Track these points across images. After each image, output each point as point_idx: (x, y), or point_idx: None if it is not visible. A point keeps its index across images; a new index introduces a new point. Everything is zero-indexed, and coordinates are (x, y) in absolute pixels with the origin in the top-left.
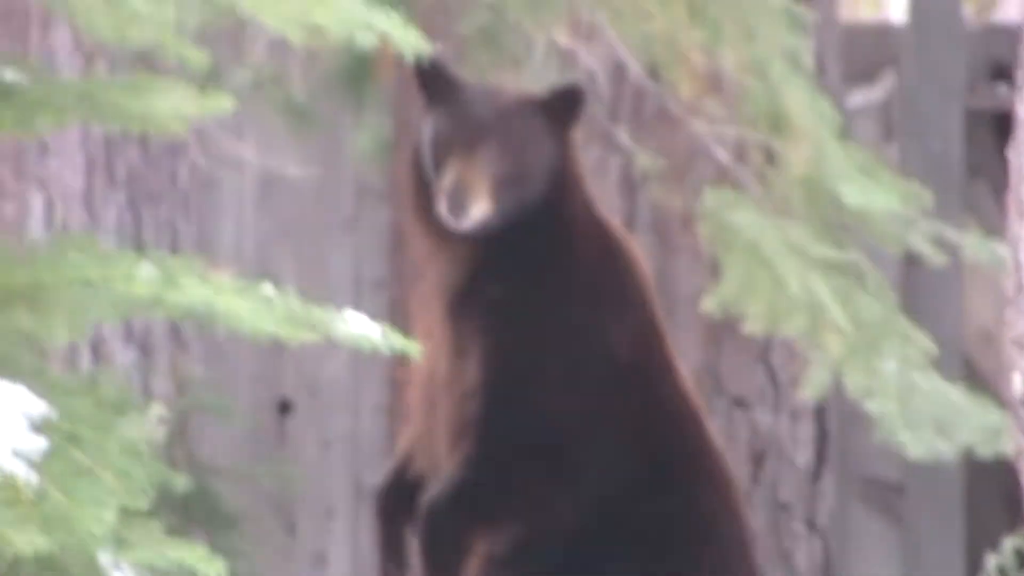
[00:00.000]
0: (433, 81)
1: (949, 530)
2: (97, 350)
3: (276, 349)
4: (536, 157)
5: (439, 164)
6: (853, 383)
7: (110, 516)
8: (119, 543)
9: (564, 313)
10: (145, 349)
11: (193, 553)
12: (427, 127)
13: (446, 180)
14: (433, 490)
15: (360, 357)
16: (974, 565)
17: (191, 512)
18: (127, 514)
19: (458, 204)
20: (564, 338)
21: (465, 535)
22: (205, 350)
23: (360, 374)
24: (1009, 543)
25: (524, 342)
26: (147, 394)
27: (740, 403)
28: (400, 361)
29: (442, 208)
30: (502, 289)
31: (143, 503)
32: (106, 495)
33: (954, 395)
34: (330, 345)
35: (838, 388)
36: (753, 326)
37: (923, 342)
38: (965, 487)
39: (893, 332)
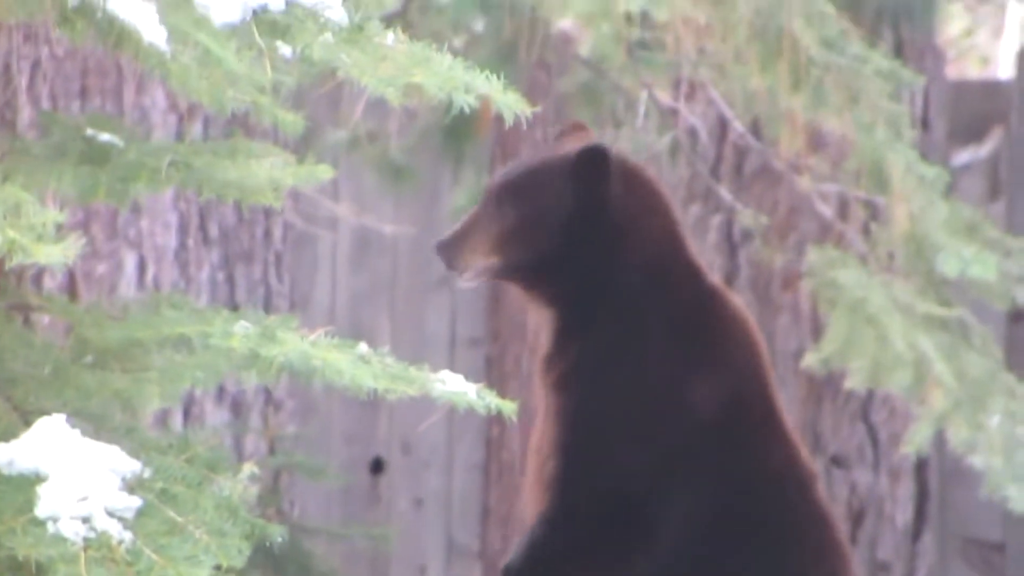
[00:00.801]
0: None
1: None
2: (189, 411)
3: (369, 407)
4: (547, 212)
5: None
6: (957, 437)
7: (204, 574)
8: None
9: (639, 370)
10: (237, 409)
11: None
12: None
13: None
14: (513, 551)
15: (454, 415)
16: None
17: (284, 571)
18: (221, 573)
19: (448, 259)
20: (638, 395)
21: None
22: (297, 409)
23: (454, 432)
24: None
25: (597, 399)
26: (239, 454)
27: (840, 462)
28: (495, 420)
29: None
30: (579, 349)
31: (238, 561)
32: (200, 553)
33: None
34: (424, 403)
35: (939, 446)
36: (855, 382)
37: None
38: None
39: (998, 387)
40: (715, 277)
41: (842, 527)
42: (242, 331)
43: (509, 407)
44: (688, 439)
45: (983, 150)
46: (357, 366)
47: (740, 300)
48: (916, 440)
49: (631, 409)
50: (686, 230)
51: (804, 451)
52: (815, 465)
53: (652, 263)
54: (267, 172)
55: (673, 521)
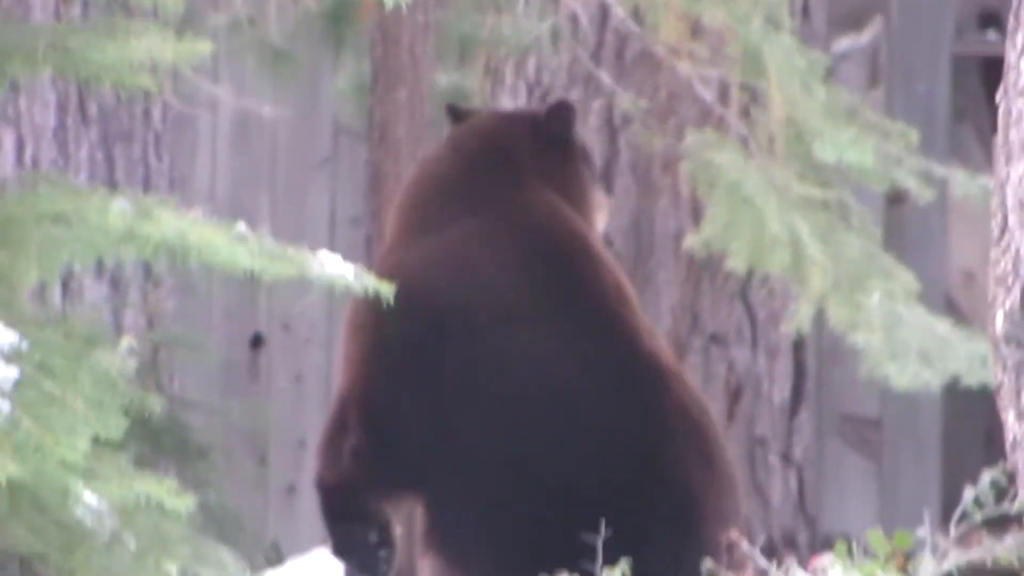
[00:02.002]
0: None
1: (926, 465)
2: (67, 285)
3: (249, 285)
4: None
5: None
6: (836, 317)
7: (83, 444)
8: (88, 476)
9: None
10: (116, 284)
11: (161, 487)
12: None
13: None
14: None
15: (334, 292)
16: (950, 500)
17: (162, 444)
18: (99, 444)
19: None
20: None
21: None
22: (177, 285)
23: (334, 309)
24: (987, 475)
25: None
26: (118, 329)
27: (718, 341)
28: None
29: None
30: None
31: (116, 433)
32: (79, 424)
33: (939, 327)
34: (304, 280)
35: (817, 325)
36: (735, 263)
37: (906, 279)
38: (942, 423)
39: (877, 268)
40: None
41: (712, 415)
42: (119, 209)
43: (386, 289)
44: None
45: (863, 38)
46: (233, 245)
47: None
48: (796, 320)
49: None
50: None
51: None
52: (691, 344)
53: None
54: (146, 50)
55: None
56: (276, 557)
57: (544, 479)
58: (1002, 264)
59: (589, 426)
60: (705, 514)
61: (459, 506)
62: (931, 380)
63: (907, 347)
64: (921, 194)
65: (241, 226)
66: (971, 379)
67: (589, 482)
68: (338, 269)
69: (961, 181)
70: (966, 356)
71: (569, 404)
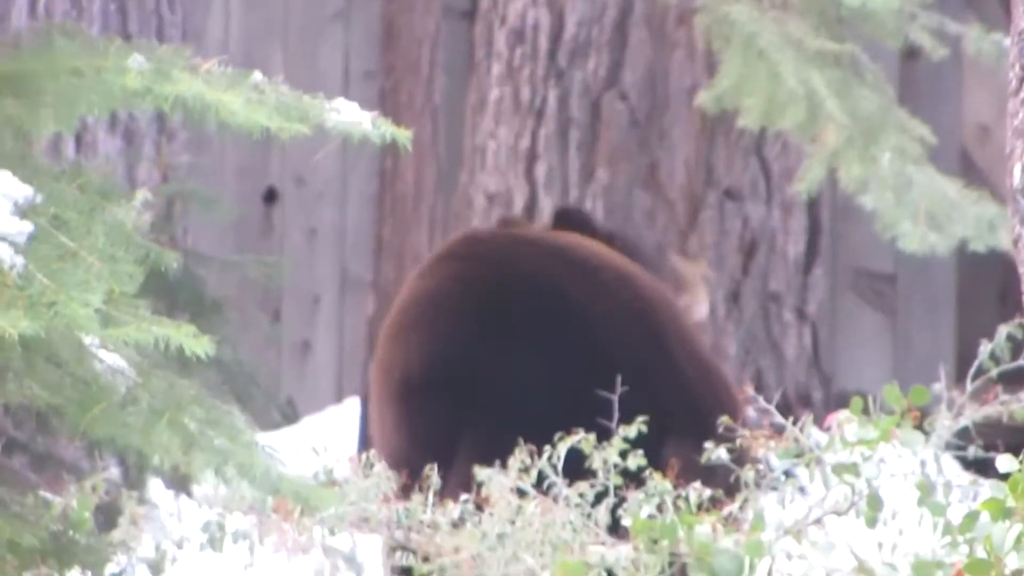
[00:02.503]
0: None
1: (941, 320)
2: (81, 139)
3: (263, 139)
4: None
5: None
6: (848, 176)
7: (96, 299)
8: (106, 320)
9: None
10: (129, 138)
11: (180, 331)
12: None
13: None
14: None
15: (347, 148)
16: (965, 355)
17: (176, 299)
18: (114, 297)
19: None
20: None
21: None
22: (191, 139)
23: (348, 164)
24: (1003, 330)
25: None
26: (132, 183)
27: (732, 195)
28: (389, 152)
29: None
30: None
31: (130, 287)
32: (92, 278)
33: (950, 189)
34: (318, 135)
35: (831, 182)
36: (749, 120)
37: (920, 135)
38: (957, 278)
39: (890, 124)
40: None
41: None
42: (137, 66)
43: (403, 136)
44: None
45: None
46: (251, 105)
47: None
48: (809, 178)
49: None
50: None
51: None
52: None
53: None
54: None
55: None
56: (292, 414)
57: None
58: (1020, 115)
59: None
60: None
61: None
62: (939, 244)
63: (916, 209)
64: (934, 50)
65: (257, 75)
66: (978, 244)
67: None
68: (355, 117)
69: (974, 37)
70: (974, 220)
71: None
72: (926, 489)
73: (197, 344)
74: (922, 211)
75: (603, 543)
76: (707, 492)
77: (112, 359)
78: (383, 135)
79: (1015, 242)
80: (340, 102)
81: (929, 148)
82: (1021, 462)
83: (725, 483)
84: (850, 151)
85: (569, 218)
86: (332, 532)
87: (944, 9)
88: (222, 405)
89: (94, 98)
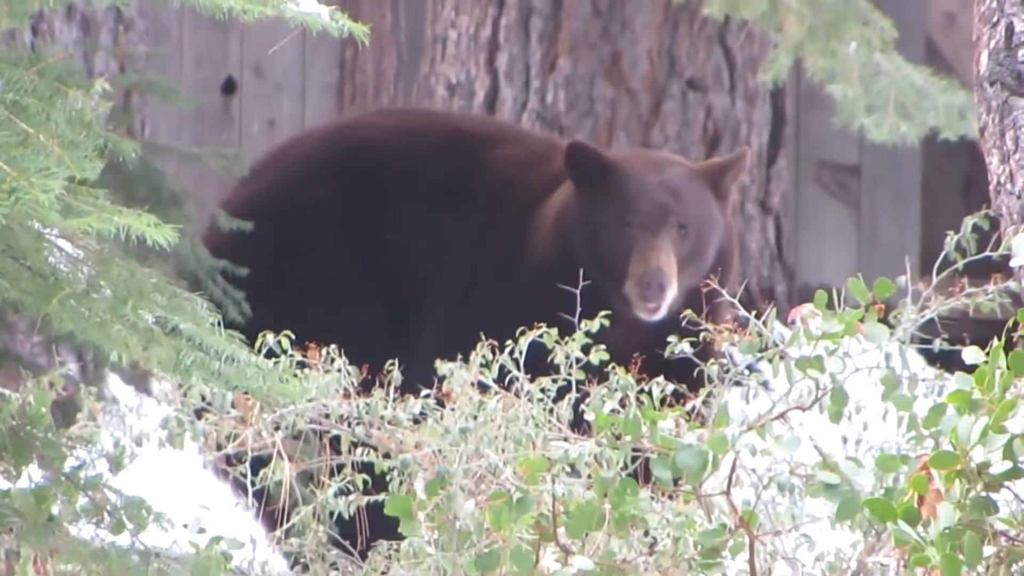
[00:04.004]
0: (583, 163)
1: (906, 212)
2: (37, 29)
3: (221, 28)
4: (710, 234)
5: (616, 248)
6: (813, 66)
7: (57, 185)
8: (67, 209)
9: None
10: (87, 27)
11: (141, 220)
12: (591, 211)
13: (637, 269)
14: None
15: (307, 37)
16: (931, 248)
17: (135, 191)
18: (74, 185)
19: (658, 293)
20: None
21: None
22: (148, 29)
23: (307, 54)
24: (969, 221)
25: None
26: (89, 73)
27: (696, 85)
28: (349, 43)
29: (633, 295)
30: None
31: (91, 174)
32: (53, 165)
33: (917, 77)
34: (277, 25)
35: (795, 73)
36: (712, 8)
37: (884, 24)
38: (922, 169)
39: (854, 14)
40: None
41: None
42: None
43: (360, 30)
44: None
45: None
46: None
47: None
48: (774, 68)
49: None
50: None
51: None
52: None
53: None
54: None
55: None
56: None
57: None
58: (986, 2)
59: None
60: None
61: None
62: (908, 133)
63: (884, 99)
64: None
65: None
66: (949, 132)
67: None
68: (312, 8)
69: None
70: (944, 108)
71: None
72: (891, 383)
73: (159, 233)
74: (891, 100)
75: (565, 438)
76: (670, 387)
77: (70, 248)
78: (340, 28)
79: (981, 131)
80: None
81: (893, 39)
82: (987, 355)
83: (688, 377)
84: (814, 42)
85: (578, 149)
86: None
87: None
88: (183, 293)
89: None
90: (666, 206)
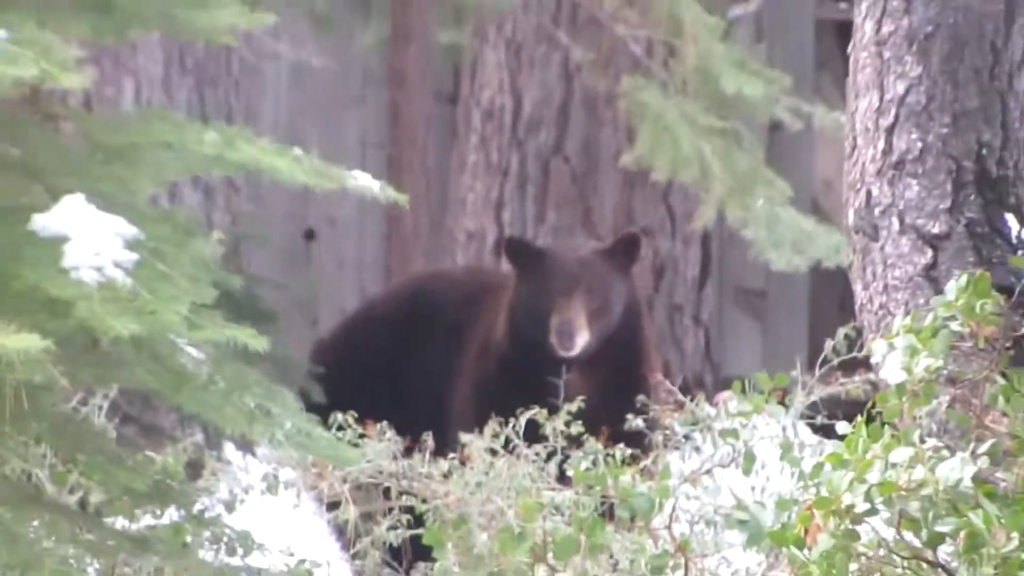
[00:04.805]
0: (520, 253)
1: (797, 324)
2: (173, 194)
3: (303, 193)
4: (613, 295)
5: (541, 311)
6: (732, 216)
7: (183, 308)
8: (191, 326)
9: None
10: (207, 192)
11: (244, 333)
12: (523, 288)
13: (555, 322)
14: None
15: (365, 199)
16: (815, 350)
17: (240, 311)
18: (197, 308)
19: (569, 339)
20: None
21: None
22: (251, 193)
23: (365, 211)
24: (842, 331)
25: None
26: (209, 225)
27: (647, 232)
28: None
29: (554, 343)
30: None
31: (208, 300)
32: (181, 294)
33: (806, 224)
34: (343, 191)
35: (719, 221)
36: (659, 175)
37: (782, 186)
38: (809, 293)
39: (761, 179)
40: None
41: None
42: (211, 140)
43: (402, 198)
44: None
45: (751, 5)
46: (293, 166)
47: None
48: (704, 217)
49: None
50: None
51: None
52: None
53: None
54: (228, 18)
55: None
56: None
57: None
58: (852, 174)
59: None
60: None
61: None
62: (800, 263)
63: (783, 239)
64: (792, 124)
65: (296, 150)
66: (829, 262)
67: None
68: (367, 183)
69: (821, 114)
70: (825, 246)
71: None
72: (787, 447)
73: (257, 343)
74: (788, 240)
75: (553, 489)
76: (628, 451)
77: (195, 352)
78: (388, 196)
79: (849, 266)
80: (357, 172)
81: (788, 197)
82: (854, 427)
83: (641, 444)
84: (732, 198)
85: (514, 242)
86: (356, 481)
87: (799, 94)
88: (276, 386)
89: (179, 166)
90: (577, 276)
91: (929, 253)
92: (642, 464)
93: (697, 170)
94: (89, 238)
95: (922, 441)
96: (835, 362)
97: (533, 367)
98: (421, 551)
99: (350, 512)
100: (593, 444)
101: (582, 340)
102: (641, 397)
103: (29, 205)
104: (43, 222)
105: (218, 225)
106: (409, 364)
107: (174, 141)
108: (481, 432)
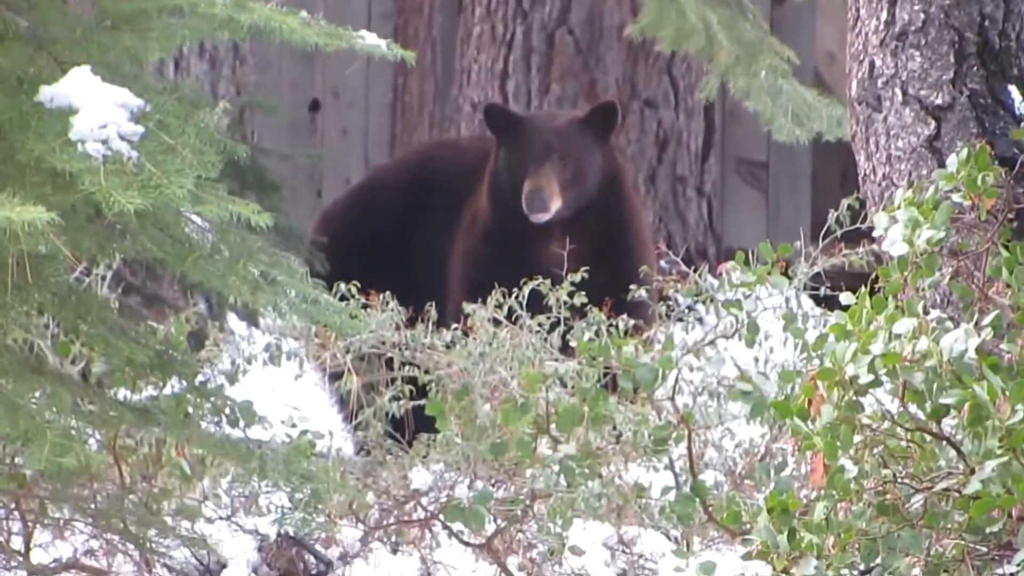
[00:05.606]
0: (499, 121)
1: (800, 196)
2: (178, 64)
3: (309, 62)
4: (588, 162)
5: (516, 178)
6: (735, 87)
7: (188, 182)
8: (196, 201)
9: None
10: (213, 62)
11: (248, 208)
12: (501, 155)
13: (526, 188)
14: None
15: (370, 70)
16: (818, 221)
17: (246, 181)
18: (201, 180)
19: (539, 204)
20: None
21: None
22: (257, 63)
23: (370, 81)
24: (845, 202)
25: None
26: (215, 96)
27: (650, 104)
28: (400, 71)
29: (525, 208)
30: None
31: (213, 172)
32: (186, 167)
33: (809, 96)
34: (348, 59)
35: (722, 93)
36: (662, 46)
37: (789, 55)
38: (811, 164)
39: (765, 49)
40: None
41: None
42: (222, 0)
43: (409, 55)
44: None
45: None
46: (305, 27)
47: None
48: (707, 88)
49: None
50: None
51: None
52: (630, 107)
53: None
54: None
55: None
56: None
57: None
58: (855, 45)
59: None
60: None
61: None
62: (801, 135)
63: (785, 110)
64: None
65: (304, 13)
66: (830, 135)
67: None
68: (375, 42)
69: None
70: (827, 118)
71: None
72: (790, 318)
73: (260, 218)
74: (789, 111)
75: (556, 359)
76: (631, 322)
77: (200, 221)
78: (395, 54)
79: (852, 137)
80: (364, 32)
81: (793, 67)
82: (857, 298)
83: (645, 315)
84: (737, 68)
85: (493, 109)
86: (358, 351)
87: None
88: (281, 252)
89: (188, 31)
90: (550, 144)
91: (932, 124)
92: (645, 335)
93: (703, 39)
94: (95, 110)
95: (925, 312)
96: (838, 233)
97: (513, 235)
98: (424, 422)
99: (352, 383)
100: (596, 314)
101: (554, 205)
102: (634, 267)
103: (37, 76)
104: (50, 93)
105: (223, 95)
106: (414, 234)
107: (183, 5)
108: (469, 301)
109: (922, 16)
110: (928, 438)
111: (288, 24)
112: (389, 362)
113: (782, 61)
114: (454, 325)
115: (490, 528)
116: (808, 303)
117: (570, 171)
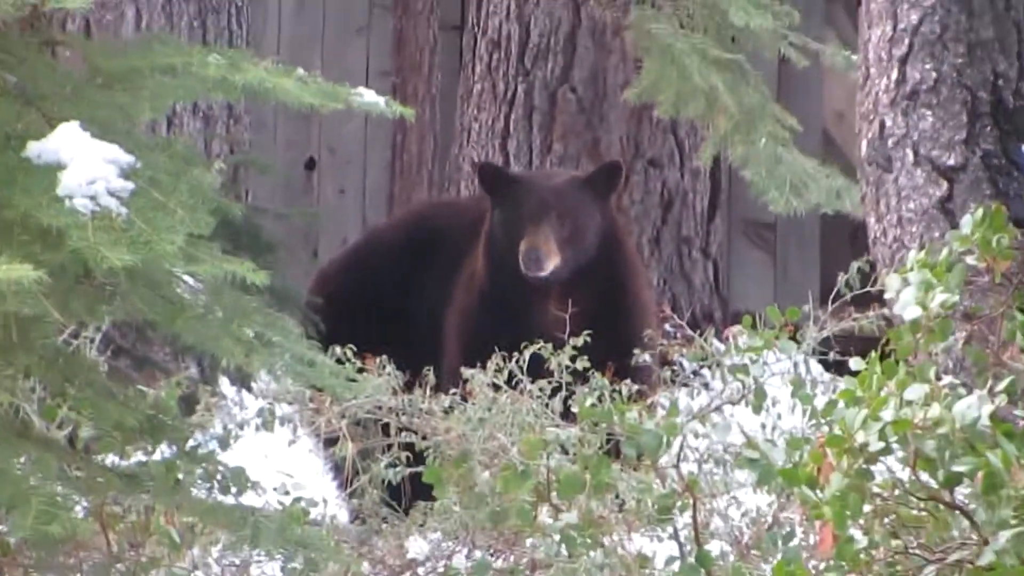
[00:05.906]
0: (494, 180)
1: (809, 258)
2: (171, 122)
3: (305, 119)
4: (587, 221)
5: (514, 238)
6: (734, 154)
7: (179, 239)
8: (188, 259)
9: None
10: (207, 120)
11: (243, 267)
12: (497, 215)
13: (523, 247)
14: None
15: (369, 128)
16: (827, 284)
17: (240, 241)
18: (194, 239)
19: (536, 263)
20: None
21: None
22: (252, 121)
23: (369, 139)
24: (855, 265)
25: None
26: (208, 154)
27: (655, 164)
28: (399, 128)
29: (522, 267)
30: None
31: (205, 230)
32: (177, 224)
33: (809, 165)
34: (346, 117)
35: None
36: (661, 110)
37: (790, 122)
38: (820, 226)
39: (767, 114)
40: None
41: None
42: (215, 61)
43: (408, 112)
44: None
45: None
46: (300, 87)
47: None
48: (706, 155)
49: None
50: None
51: None
52: (634, 167)
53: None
54: None
55: None
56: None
57: None
58: (865, 105)
59: None
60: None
61: None
62: (799, 207)
63: (783, 181)
64: (799, 61)
65: (300, 71)
66: (828, 207)
67: None
68: (374, 99)
69: (830, 52)
70: (826, 189)
71: None
72: (798, 384)
73: (255, 276)
74: (787, 182)
75: (557, 425)
76: (635, 387)
77: (192, 281)
78: (394, 111)
79: (862, 198)
80: (362, 89)
81: (797, 132)
82: (867, 363)
83: (649, 380)
84: (736, 135)
85: (487, 169)
86: (354, 416)
87: (808, 20)
88: (276, 313)
89: (181, 91)
90: (547, 202)
91: (944, 185)
92: (649, 400)
93: (703, 104)
94: (84, 166)
95: (938, 378)
96: (848, 297)
97: (511, 296)
98: (421, 489)
99: (348, 449)
100: (599, 379)
101: (551, 264)
102: (635, 329)
103: (25, 132)
104: (38, 149)
105: (218, 154)
106: (411, 296)
107: (176, 65)
108: (466, 363)
109: (934, 75)
110: (940, 507)
111: (282, 85)
112: (386, 427)
113: (783, 128)
114: (452, 390)
115: None
116: (817, 368)
117: (568, 230)
